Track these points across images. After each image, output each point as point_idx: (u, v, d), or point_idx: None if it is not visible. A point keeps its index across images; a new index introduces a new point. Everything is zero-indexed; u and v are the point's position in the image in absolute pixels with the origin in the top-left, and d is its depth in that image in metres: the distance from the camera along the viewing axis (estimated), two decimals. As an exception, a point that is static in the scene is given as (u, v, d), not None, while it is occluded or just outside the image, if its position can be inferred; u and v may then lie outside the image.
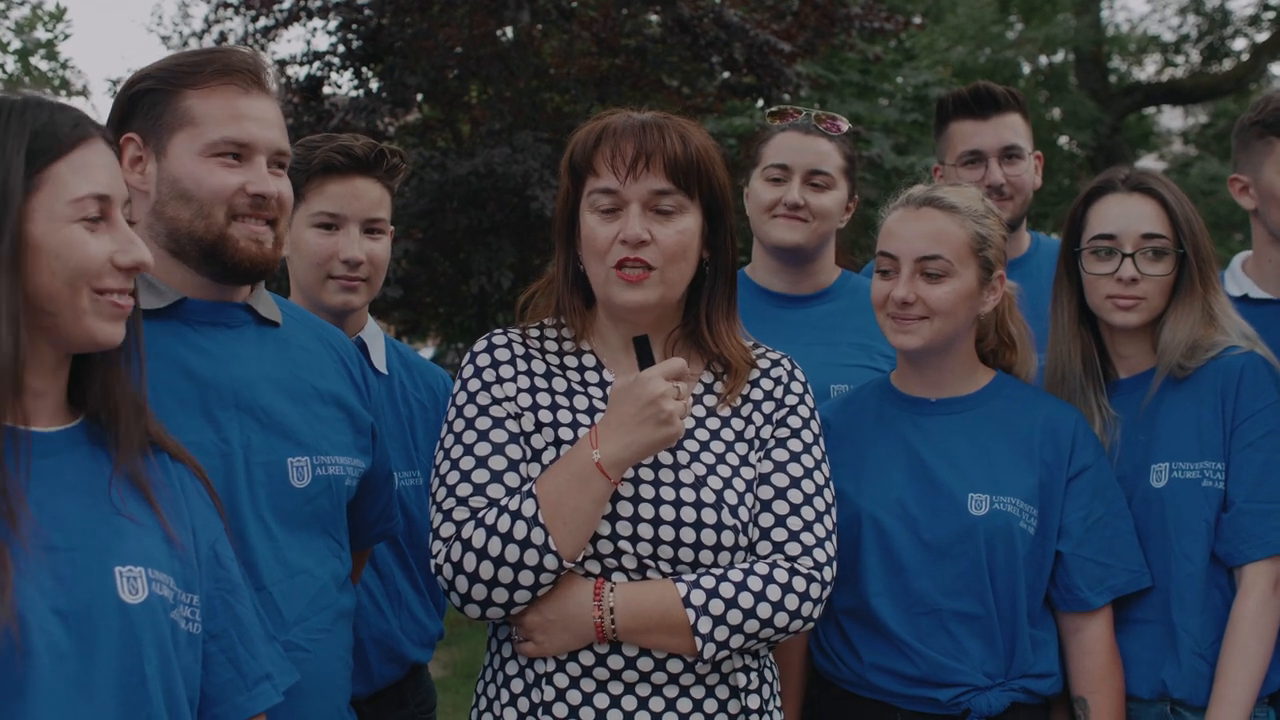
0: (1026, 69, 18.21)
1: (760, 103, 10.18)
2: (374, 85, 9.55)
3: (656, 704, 1.97)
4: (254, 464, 1.97)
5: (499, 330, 2.17)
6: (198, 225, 1.95)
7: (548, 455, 2.03)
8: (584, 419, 2.06)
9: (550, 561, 1.92)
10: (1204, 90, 18.87)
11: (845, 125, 2.94)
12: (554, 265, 2.16)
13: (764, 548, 2.03)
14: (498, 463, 2.01)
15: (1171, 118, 21.66)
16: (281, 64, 9.74)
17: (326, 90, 9.79)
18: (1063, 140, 18.15)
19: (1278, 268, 2.68)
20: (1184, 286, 2.45)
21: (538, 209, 8.17)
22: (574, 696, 1.97)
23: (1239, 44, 19.50)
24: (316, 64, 9.65)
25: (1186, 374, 2.40)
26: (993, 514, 2.27)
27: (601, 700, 1.97)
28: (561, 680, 1.98)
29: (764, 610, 1.95)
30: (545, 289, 2.17)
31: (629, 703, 1.96)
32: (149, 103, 1.96)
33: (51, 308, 1.61)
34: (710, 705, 1.99)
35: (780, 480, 2.07)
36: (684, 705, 1.98)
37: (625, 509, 1.97)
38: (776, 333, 2.52)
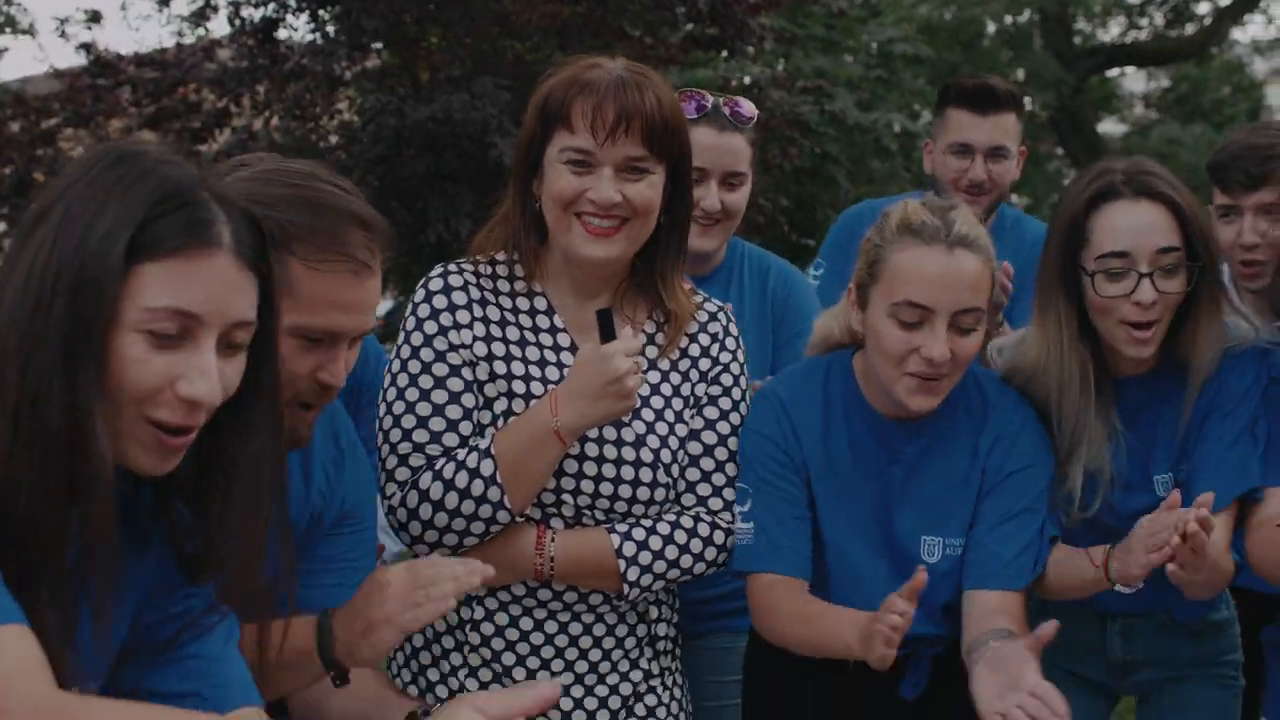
0: (991, 28, 18.17)
1: (724, 54, 10.07)
2: (331, 29, 9.39)
3: (575, 628, 2.16)
4: None
5: (453, 268, 2.19)
6: None
7: (499, 405, 2.13)
8: (535, 371, 2.15)
9: (503, 516, 2.08)
10: (1166, 53, 18.91)
11: (752, 111, 2.77)
12: (509, 202, 2.19)
13: (689, 500, 2.19)
14: (453, 411, 2.11)
15: (1134, 80, 21.72)
16: (236, 5, 9.55)
17: (282, 34, 9.59)
18: (1025, 100, 18.14)
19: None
20: (1203, 299, 2.24)
21: (496, 157, 8.09)
22: (501, 618, 2.15)
23: (1203, 8, 19.54)
24: (272, 5, 9.46)
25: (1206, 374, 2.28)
26: (944, 559, 2.23)
27: (526, 623, 2.15)
28: (491, 603, 2.15)
29: (685, 561, 2.15)
30: (499, 224, 2.20)
31: (551, 626, 2.16)
32: None
33: (107, 420, 1.35)
34: (622, 630, 2.19)
35: (709, 438, 2.20)
36: (599, 630, 2.17)
37: (570, 465, 2.11)
38: None
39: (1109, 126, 20.21)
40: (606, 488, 2.12)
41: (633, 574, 2.11)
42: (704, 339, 2.23)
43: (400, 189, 9.12)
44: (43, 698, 1.21)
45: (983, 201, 3.15)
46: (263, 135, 9.34)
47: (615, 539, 2.11)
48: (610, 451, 2.12)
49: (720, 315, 2.27)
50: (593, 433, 2.10)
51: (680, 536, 2.15)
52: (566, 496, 2.12)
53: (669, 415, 2.17)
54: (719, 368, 2.23)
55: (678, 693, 2.29)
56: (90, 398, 1.31)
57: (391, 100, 8.82)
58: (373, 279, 1.77)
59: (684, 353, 2.22)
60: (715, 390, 2.22)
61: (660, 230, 2.15)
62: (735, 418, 2.23)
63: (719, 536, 2.18)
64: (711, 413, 2.21)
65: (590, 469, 2.12)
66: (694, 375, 2.21)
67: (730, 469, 2.21)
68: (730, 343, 2.25)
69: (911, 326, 2.11)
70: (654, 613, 2.22)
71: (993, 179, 3.19)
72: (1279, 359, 2.29)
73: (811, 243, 10.99)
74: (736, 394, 2.24)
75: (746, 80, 10.49)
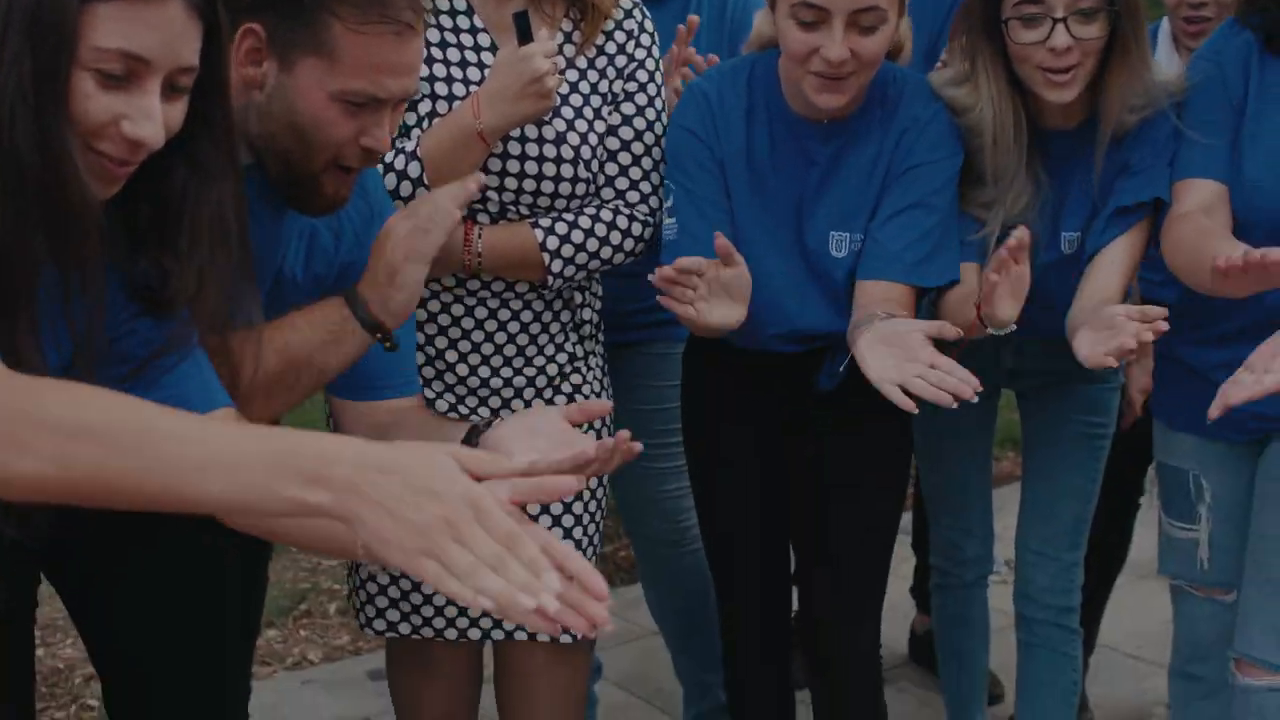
0: None
1: None
2: None
3: (504, 314, 2.29)
4: None
5: None
6: (296, 158, 1.75)
7: (423, 106, 2.20)
8: (456, 72, 2.21)
9: None
10: None
11: None
12: None
13: (607, 194, 2.28)
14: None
15: None
16: None
17: None
18: None
19: None
20: (1118, 48, 2.23)
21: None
22: (434, 305, 2.28)
23: None
24: None
25: (1126, 129, 2.27)
26: (852, 255, 2.28)
27: (457, 309, 2.28)
28: (424, 293, 2.20)
29: (605, 252, 2.26)
30: None
31: (481, 312, 2.28)
32: (290, 5, 1.69)
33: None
34: (548, 316, 2.32)
35: (626, 133, 2.27)
36: (526, 316, 2.30)
37: (493, 164, 2.19)
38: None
39: None
40: (529, 184, 2.22)
41: (556, 265, 2.22)
42: (620, 36, 2.28)
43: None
44: (6, 374, 1.24)
45: None
46: None
47: (539, 233, 2.21)
48: (532, 149, 2.20)
49: (635, 12, 2.31)
50: (514, 132, 2.17)
51: (600, 229, 2.25)
52: (491, 194, 2.21)
53: (587, 112, 2.25)
54: (634, 64, 2.28)
55: (599, 373, 2.43)
56: (63, 132, 1.33)
57: None
58: (416, 40, 1.74)
59: (600, 50, 2.27)
60: (631, 86, 2.28)
61: None
62: (651, 113, 2.30)
63: (636, 228, 2.28)
64: (628, 108, 2.28)
65: (513, 167, 2.20)
66: (610, 72, 2.27)
67: (646, 162, 2.28)
68: (645, 39, 2.30)
69: (810, 26, 2.11)
70: (578, 298, 2.35)
71: None
72: None
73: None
74: (652, 89, 2.31)
75: None
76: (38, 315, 1.37)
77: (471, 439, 1.87)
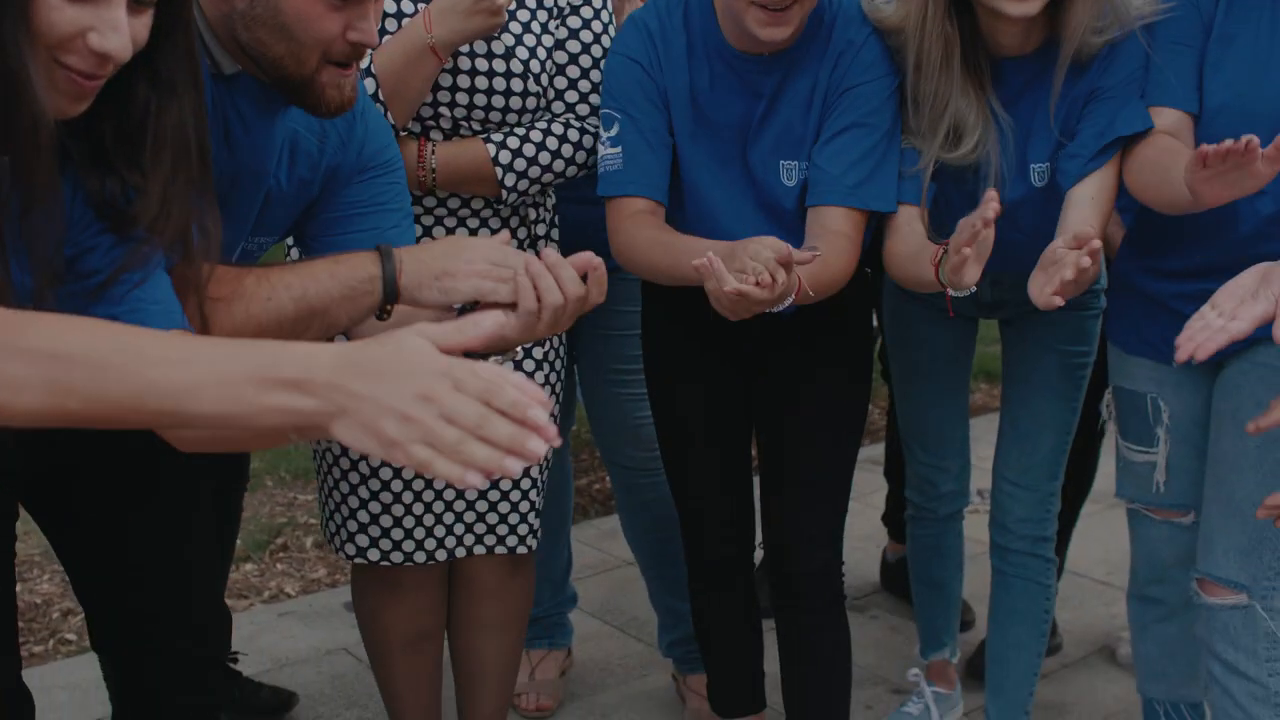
0: None
1: None
2: None
3: (462, 232, 2.33)
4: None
5: None
6: (287, 63, 1.73)
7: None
8: (409, 6, 2.24)
9: None
10: None
11: None
12: None
13: (558, 107, 2.31)
14: None
15: None
16: None
17: None
18: None
19: None
20: None
21: None
22: None
23: None
24: None
25: (1091, 54, 2.20)
26: (800, 184, 2.27)
27: (416, 229, 2.25)
28: None
29: (557, 165, 2.30)
30: None
31: (439, 231, 2.32)
32: None
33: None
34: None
35: (573, 46, 2.31)
36: (484, 233, 2.33)
37: (444, 79, 2.23)
38: None
39: None
40: (480, 99, 2.25)
41: (509, 179, 2.26)
42: None
43: None
44: None
45: None
46: None
47: (491, 147, 2.25)
48: (482, 64, 2.23)
49: None
50: (464, 48, 2.20)
51: (551, 142, 2.29)
52: (443, 110, 2.25)
53: (535, 26, 2.28)
54: None
55: None
56: (20, 46, 1.30)
57: None
58: None
59: None
60: (576, 1, 2.31)
61: None
62: (597, 25, 2.33)
63: (587, 140, 2.32)
64: (574, 22, 2.31)
65: (464, 82, 2.24)
66: None
67: (595, 75, 2.31)
68: None
69: None
70: (533, 214, 2.38)
71: None
72: None
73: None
74: (597, 3, 2.34)
75: None
76: (3, 236, 1.37)
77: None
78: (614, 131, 2.24)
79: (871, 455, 4.07)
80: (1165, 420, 2.36)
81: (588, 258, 1.70)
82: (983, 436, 2.92)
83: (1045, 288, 1.95)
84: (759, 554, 2.66)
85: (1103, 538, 3.67)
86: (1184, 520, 2.40)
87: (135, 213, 1.48)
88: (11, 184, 1.35)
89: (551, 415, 2.32)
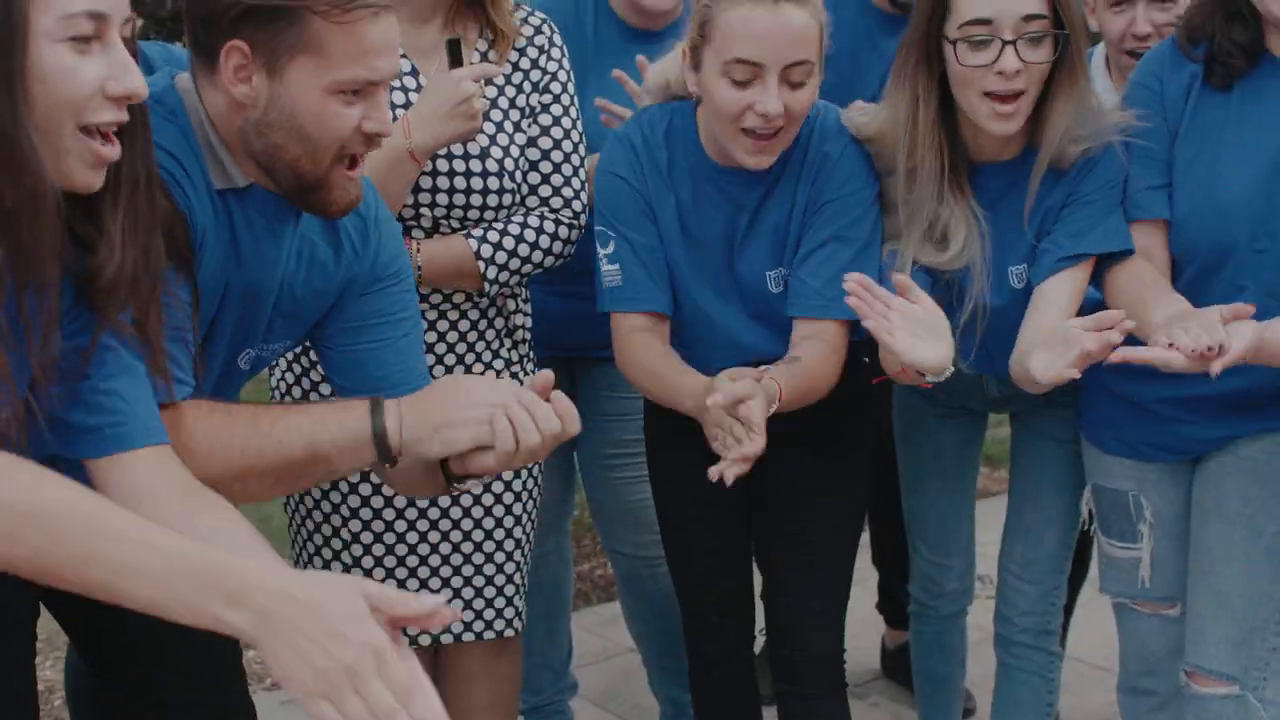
0: None
1: None
2: None
3: (443, 325, 2.43)
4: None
5: None
6: (303, 164, 1.78)
7: None
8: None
9: None
10: None
11: None
12: None
13: (533, 201, 2.41)
14: None
15: None
16: None
17: None
18: None
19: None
20: (1064, 71, 2.20)
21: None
22: None
23: None
24: None
25: (1069, 163, 2.26)
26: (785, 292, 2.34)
27: None
28: None
29: (536, 256, 2.40)
30: None
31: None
32: (267, 14, 1.72)
33: (39, 141, 1.41)
34: (483, 324, 2.46)
35: (545, 143, 2.41)
36: (464, 325, 2.44)
37: (424, 181, 2.33)
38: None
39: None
40: (459, 198, 2.35)
41: (491, 272, 2.36)
42: (532, 52, 2.41)
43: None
44: None
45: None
46: None
47: (472, 242, 2.35)
48: (459, 165, 2.34)
49: (544, 28, 2.43)
50: (442, 151, 2.29)
51: (529, 235, 2.39)
52: (424, 209, 2.34)
53: (508, 126, 2.38)
54: (548, 77, 2.42)
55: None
56: (19, 117, 1.37)
57: None
58: (392, 16, 1.79)
59: (515, 66, 2.40)
60: (546, 98, 2.42)
61: None
62: (566, 122, 2.43)
63: (562, 231, 2.42)
64: (545, 119, 2.42)
65: (443, 183, 2.34)
66: (526, 87, 2.41)
67: (566, 169, 2.41)
68: (555, 53, 2.43)
69: (744, 84, 2.15)
70: (511, 305, 2.49)
71: None
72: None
73: None
74: (566, 100, 2.44)
75: None
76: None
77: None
78: (610, 249, 2.31)
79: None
80: (1148, 516, 2.40)
81: (557, 398, 1.76)
82: (984, 520, 2.92)
83: (1057, 363, 2.00)
84: (759, 642, 2.68)
85: (1101, 623, 3.63)
86: (1172, 612, 2.41)
87: (99, 263, 1.51)
88: (8, 260, 1.39)
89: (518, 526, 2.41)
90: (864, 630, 3.77)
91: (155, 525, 1.41)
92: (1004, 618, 2.70)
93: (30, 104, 1.38)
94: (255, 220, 1.83)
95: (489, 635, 2.47)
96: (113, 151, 1.46)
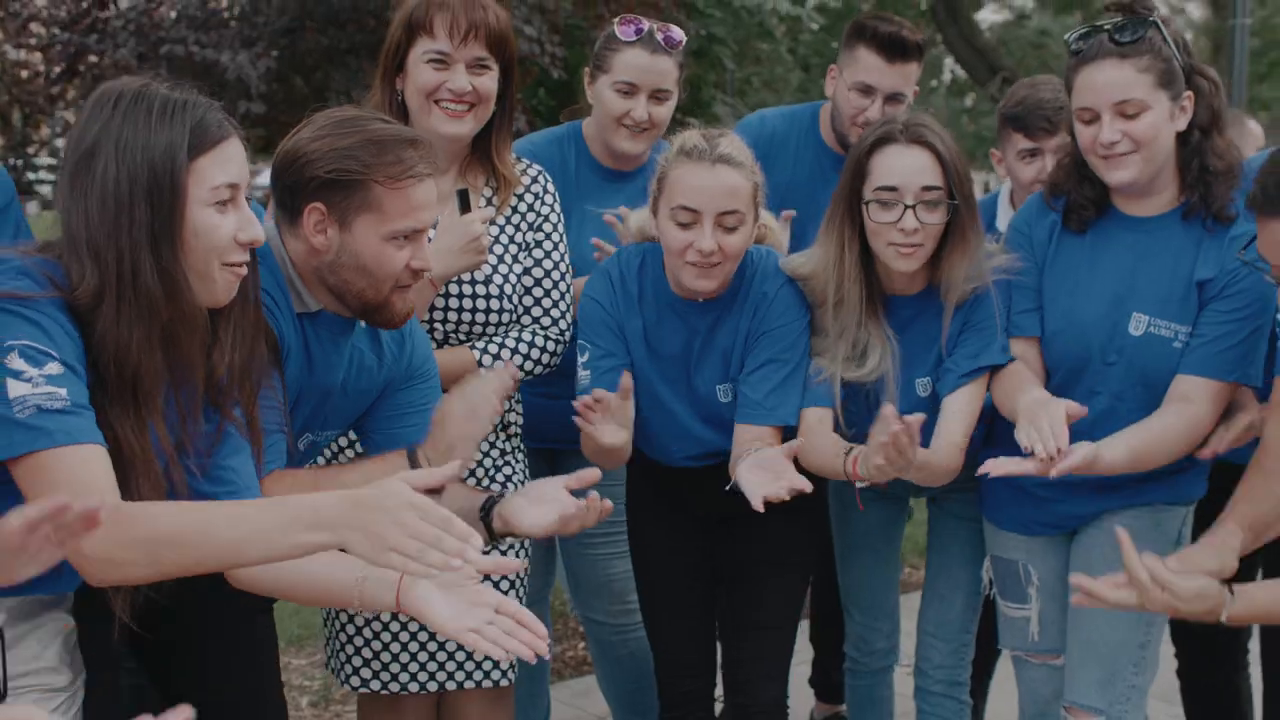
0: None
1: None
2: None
3: None
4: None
5: None
6: (369, 293, 2.32)
7: None
8: None
9: None
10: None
11: (681, 36, 3.25)
12: (375, 95, 2.84)
13: (527, 320, 2.89)
14: None
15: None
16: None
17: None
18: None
19: None
20: (956, 230, 2.69)
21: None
22: None
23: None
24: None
25: (964, 298, 2.75)
26: (733, 400, 2.84)
27: None
28: None
29: (527, 365, 2.85)
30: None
31: None
32: (342, 185, 2.26)
33: (191, 276, 1.96)
34: None
35: (538, 272, 2.90)
36: None
37: (438, 302, 2.79)
38: (611, 201, 3.17)
39: (988, 14, 20.61)
40: (466, 316, 2.82)
41: None
42: (529, 198, 2.91)
43: (302, 62, 9.33)
44: (118, 506, 1.81)
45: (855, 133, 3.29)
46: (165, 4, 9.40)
47: (476, 352, 2.81)
48: (467, 289, 2.81)
49: (540, 178, 2.94)
50: (454, 277, 2.76)
51: (523, 347, 2.85)
52: (437, 325, 2.81)
53: (507, 258, 2.86)
54: (540, 218, 2.91)
55: (522, 467, 2.98)
56: (176, 260, 1.92)
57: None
58: (431, 180, 2.31)
59: (514, 209, 2.89)
60: (539, 236, 2.90)
61: (494, 115, 2.81)
62: (556, 255, 2.91)
63: (551, 345, 2.88)
64: (538, 253, 2.90)
65: (454, 304, 2.81)
66: (523, 226, 2.89)
67: (555, 294, 2.89)
68: (548, 199, 2.93)
69: (686, 226, 2.67)
70: (505, 404, 2.75)
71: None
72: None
73: (695, 122, 11.19)
74: (556, 237, 2.92)
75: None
76: (153, 420, 1.94)
77: (488, 505, 2.45)
78: (585, 358, 2.82)
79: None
80: (1035, 581, 2.90)
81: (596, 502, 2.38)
82: (917, 608, 3.29)
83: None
84: (720, 707, 3.09)
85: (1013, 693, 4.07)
86: (1056, 662, 2.88)
87: (213, 363, 2.07)
88: (167, 364, 1.96)
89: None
90: (794, 701, 4.15)
91: (243, 504, 1.94)
92: (921, 671, 3.16)
93: (186, 251, 1.94)
94: (324, 336, 2.40)
95: (487, 684, 2.84)
96: (243, 274, 2.02)
